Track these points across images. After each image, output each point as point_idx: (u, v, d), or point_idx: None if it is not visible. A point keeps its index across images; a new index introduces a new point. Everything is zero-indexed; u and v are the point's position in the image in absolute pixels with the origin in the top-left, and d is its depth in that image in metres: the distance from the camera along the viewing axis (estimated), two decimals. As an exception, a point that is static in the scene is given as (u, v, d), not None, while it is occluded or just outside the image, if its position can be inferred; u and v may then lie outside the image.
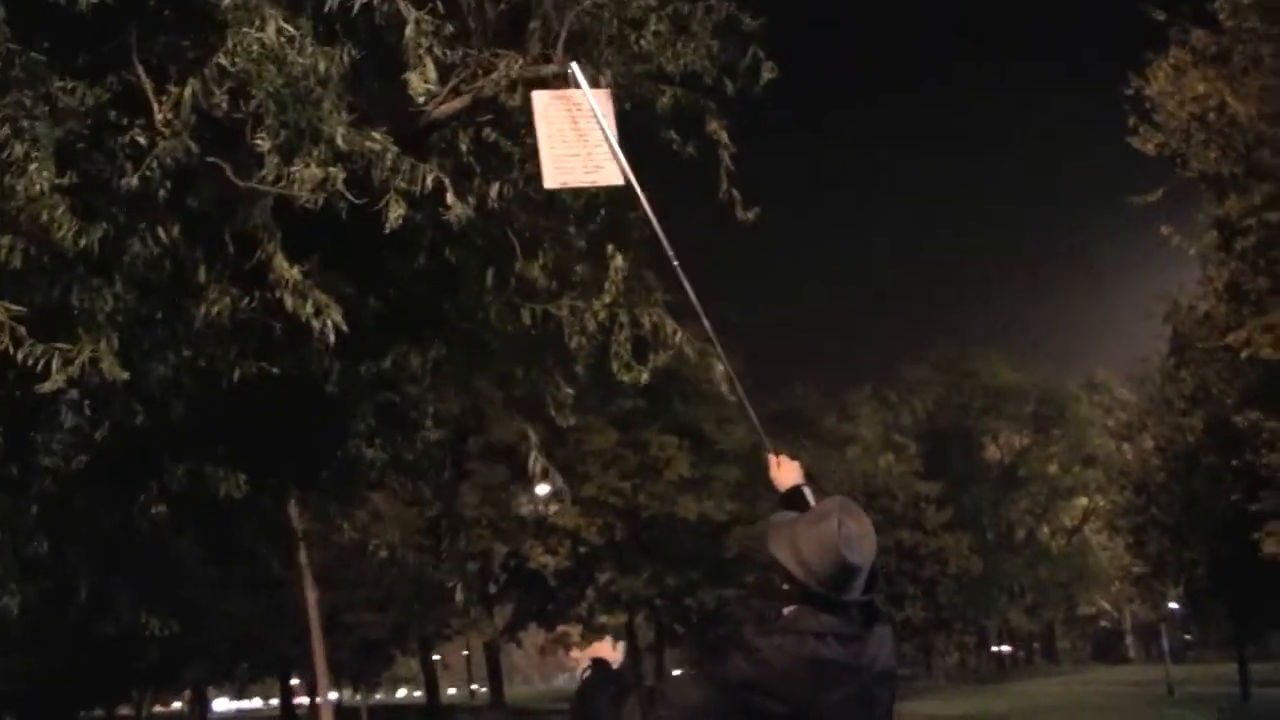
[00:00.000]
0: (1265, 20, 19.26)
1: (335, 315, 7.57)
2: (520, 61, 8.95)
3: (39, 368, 6.83)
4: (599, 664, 4.31)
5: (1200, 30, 20.20)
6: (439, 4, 8.18)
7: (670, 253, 5.70)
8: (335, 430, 10.36)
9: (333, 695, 62.53)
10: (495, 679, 59.51)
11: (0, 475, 7.98)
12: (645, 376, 10.09)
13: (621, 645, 4.49)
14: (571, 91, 6.49)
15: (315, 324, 7.55)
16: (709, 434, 58.34)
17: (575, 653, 4.46)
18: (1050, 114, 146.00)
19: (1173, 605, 52.17)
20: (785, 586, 4.03)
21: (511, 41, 9.59)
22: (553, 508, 56.86)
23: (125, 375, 7.08)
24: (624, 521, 54.30)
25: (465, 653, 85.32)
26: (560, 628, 67.99)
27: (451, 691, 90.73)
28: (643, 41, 9.97)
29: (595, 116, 6.23)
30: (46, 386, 6.85)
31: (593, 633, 73.10)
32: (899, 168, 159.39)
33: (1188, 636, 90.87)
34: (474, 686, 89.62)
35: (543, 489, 54.37)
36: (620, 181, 6.27)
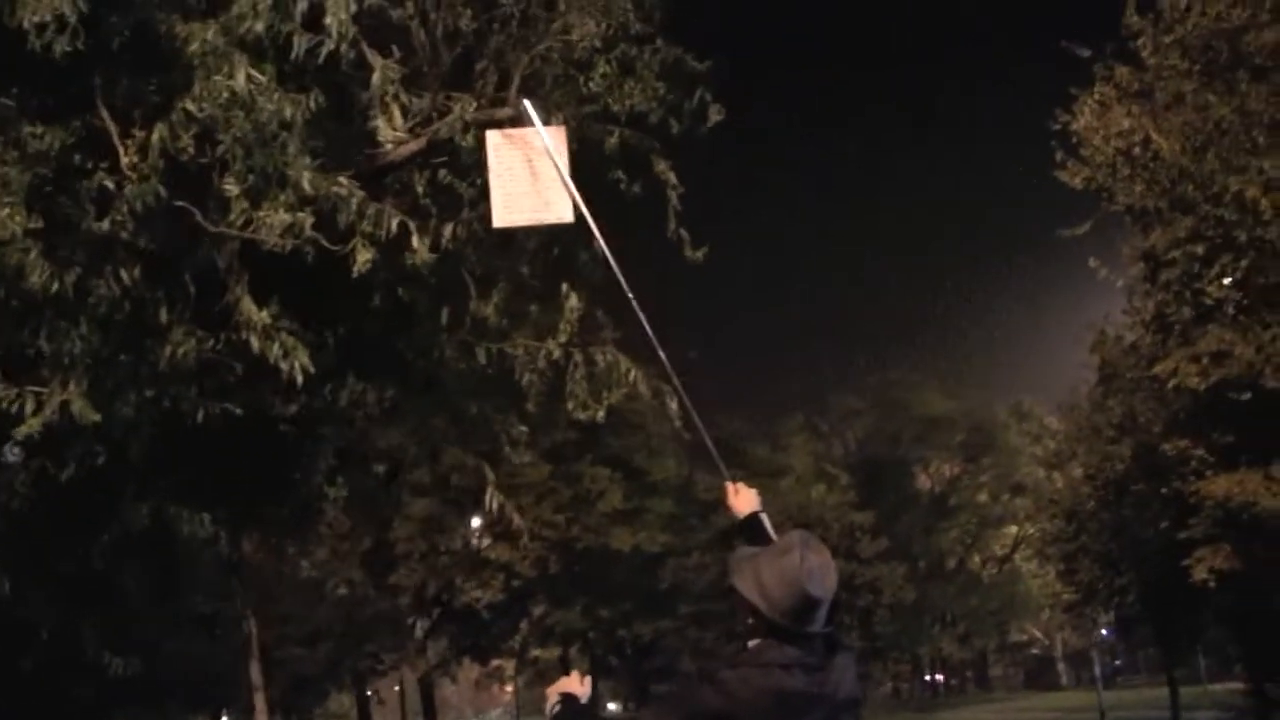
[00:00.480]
0: (1186, 58, 19.67)
1: (302, 357, 7.65)
2: (475, 104, 9.09)
3: (12, 410, 6.86)
4: (568, 699, 4.37)
5: (1124, 67, 20.55)
6: (394, 49, 8.33)
7: (627, 289, 5.78)
8: (295, 468, 10.42)
9: (263, 733, 61.93)
10: (429, 714, 59.00)
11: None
12: (601, 414, 10.22)
13: (589, 680, 4.56)
14: (524, 130, 6.57)
15: (284, 366, 7.62)
16: (641, 466, 58.29)
17: (547, 689, 4.52)
18: (980, 146, 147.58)
19: (1103, 631, 52.69)
20: (750, 620, 4.10)
21: (464, 85, 9.75)
22: (485, 541, 56.77)
23: (97, 417, 7.13)
24: (557, 554, 54.08)
25: (397, 688, 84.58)
26: (494, 661, 67.69)
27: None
28: (591, 83, 10.15)
29: (549, 153, 6.32)
30: (22, 431, 6.88)
31: (526, 666, 72.79)
32: (828, 196, 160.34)
33: (1117, 662, 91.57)
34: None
35: (476, 522, 54.44)
36: (569, 219, 6.36)
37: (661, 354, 5.86)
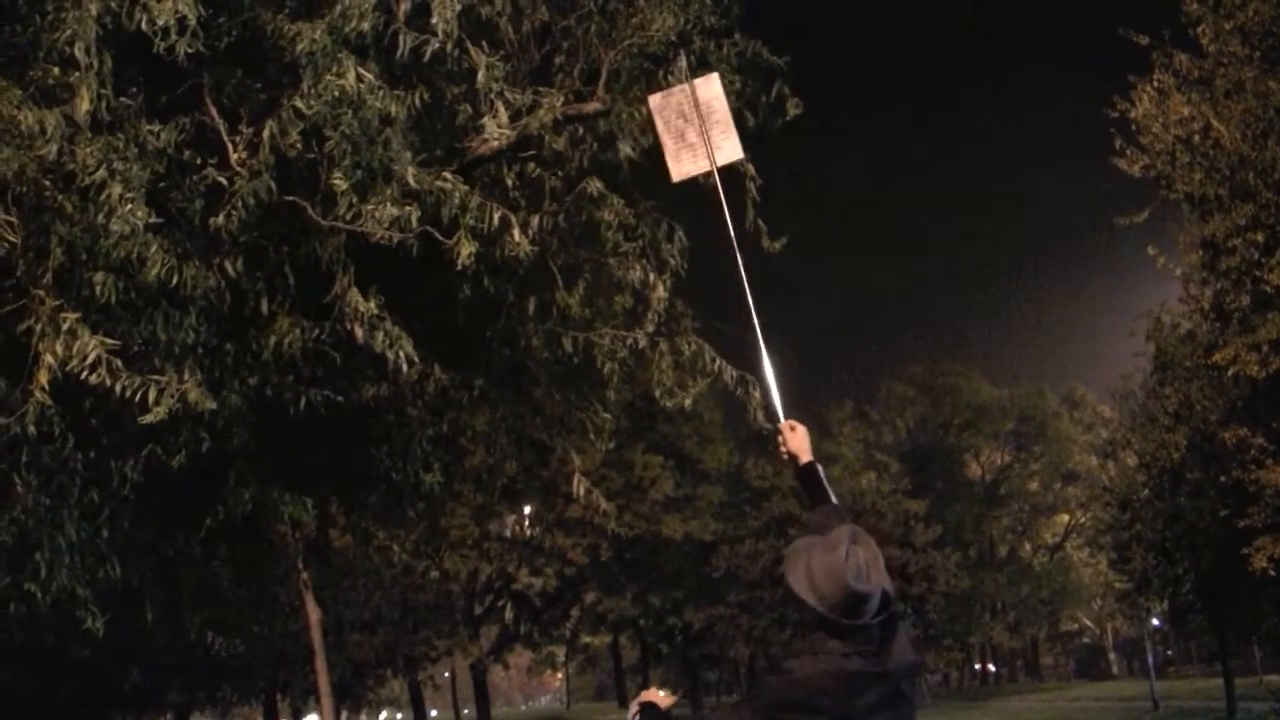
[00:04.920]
0: (1246, 45, 19.57)
1: (407, 346, 7.87)
2: (562, 99, 9.27)
3: (136, 399, 7.10)
4: (648, 707, 4.56)
5: (1183, 54, 20.45)
6: (484, 45, 8.52)
7: (745, 276, 5.87)
8: (387, 454, 10.66)
9: (313, 718, 62.10)
10: (482, 700, 59.28)
11: (80, 501, 8.23)
12: (688, 402, 10.40)
13: (674, 696, 4.67)
14: (680, 87, 6.71)
15: (389, 355, 7.84)
16: (692, 454, 58.49)
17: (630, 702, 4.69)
18: (1036, 133, 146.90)
19: (1154, 621, 52.43)
20: (803, 613, 4.24)
21: (546, 79, 9.96)
22: (537, 528, 57.10)
23: (213, 405, 7.37)
24: (609, 542, 54.22)
25: (447, 674, 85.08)
26: (548, 649, 67.95)
27: (434, 714, 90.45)
28: (669, 77, 10.30)
29: (696, 105, 6.47)
30: (149, 418, 7.11)
31: (577, 653, 73.16)
32: (884, 183, 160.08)
33: (1169, 652, 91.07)
34: (464, 711, 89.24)
35: (526, 509, 54.73)
36: (740, 155, 6.54)
37: (759, 333, 5.90)
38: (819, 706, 4.08)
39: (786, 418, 5.43)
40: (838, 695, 4.09)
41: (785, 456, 5.36)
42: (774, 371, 5.81)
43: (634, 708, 4.56)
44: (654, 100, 6.70)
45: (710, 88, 6.57)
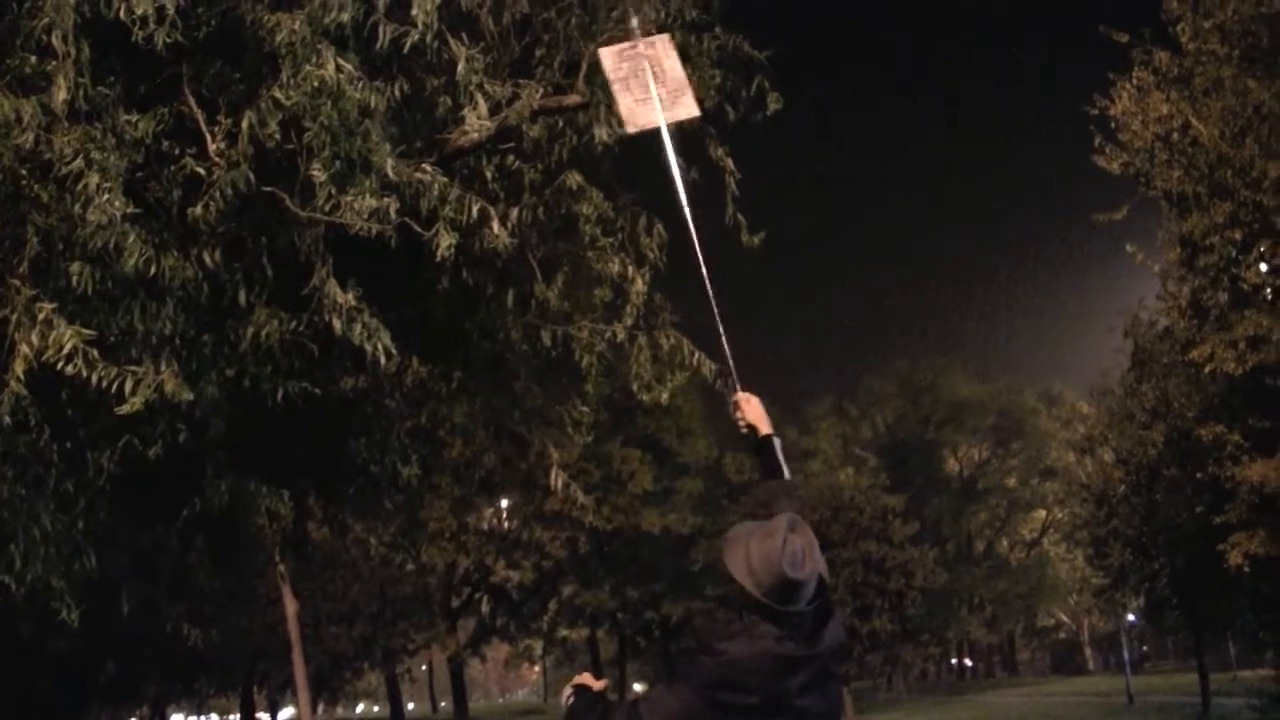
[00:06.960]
0: (1225, 43, 19.70)
1: (385, 339, 7.86)
2: (541, 91, 9.27)
3: (113, 390, 7.09)
4: (582, 689, 4.59)
5: (1163, 52, 20.57)
6: (464, 37, 8.52)
7: (702, 262, 5.86)
8: (364, 446, 10.65)
9: (290, 711, 62.10)
10: (459, 692, 59.35)
11: (56, 492, 8.22)
12: (665, 396, 10.41)
13: (605, 682, 4.74)
14: (631, 43, 6.69)
15: (367, 347, 7.84)
16: (671, 447, 58.54)
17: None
18: (1015, 130, 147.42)
19: (1130, 617, 52.69)
20: (740, 597, 4.30)
21: (527, 72, 9.95)
22: (515, 521, 57.13)
23: (190, 396, 7.36)
24: (587, 535, 54.26)
25: (425, 666, 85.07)
26: (525, 642, 68.06)
27: (411, 706, 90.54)
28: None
29: (660, 59, 6.46)
30: (126, 408, 7.10)
31: (554, 647, 73.18)
32: (863, 178, 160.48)
33: (1144, 647, 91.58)
34: (440, 705, 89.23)
35: (504, 502, 54.80)
36: (697, 113, 6.54)
37: (723, 332, 5.88)
38: (752, 686, 4.18)
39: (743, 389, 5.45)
40: (770, 676, 4.19)
41: (744, 429, 5.42)
42: (728, 339, 5.77)
43: (568, 690, 4.60)
44: (605, 54, 6.64)
45: (663, 48, 6.57)
